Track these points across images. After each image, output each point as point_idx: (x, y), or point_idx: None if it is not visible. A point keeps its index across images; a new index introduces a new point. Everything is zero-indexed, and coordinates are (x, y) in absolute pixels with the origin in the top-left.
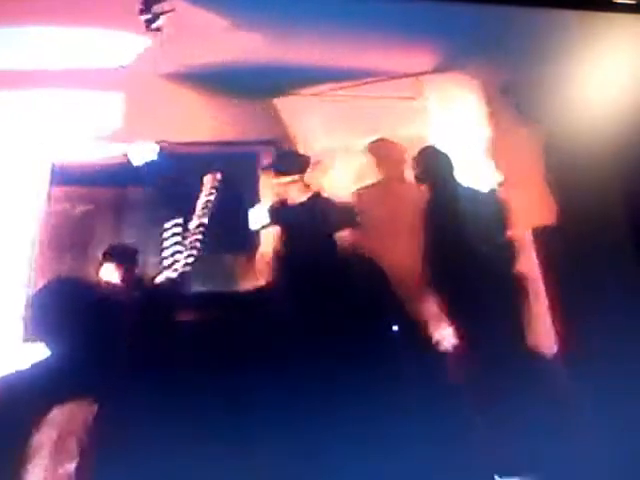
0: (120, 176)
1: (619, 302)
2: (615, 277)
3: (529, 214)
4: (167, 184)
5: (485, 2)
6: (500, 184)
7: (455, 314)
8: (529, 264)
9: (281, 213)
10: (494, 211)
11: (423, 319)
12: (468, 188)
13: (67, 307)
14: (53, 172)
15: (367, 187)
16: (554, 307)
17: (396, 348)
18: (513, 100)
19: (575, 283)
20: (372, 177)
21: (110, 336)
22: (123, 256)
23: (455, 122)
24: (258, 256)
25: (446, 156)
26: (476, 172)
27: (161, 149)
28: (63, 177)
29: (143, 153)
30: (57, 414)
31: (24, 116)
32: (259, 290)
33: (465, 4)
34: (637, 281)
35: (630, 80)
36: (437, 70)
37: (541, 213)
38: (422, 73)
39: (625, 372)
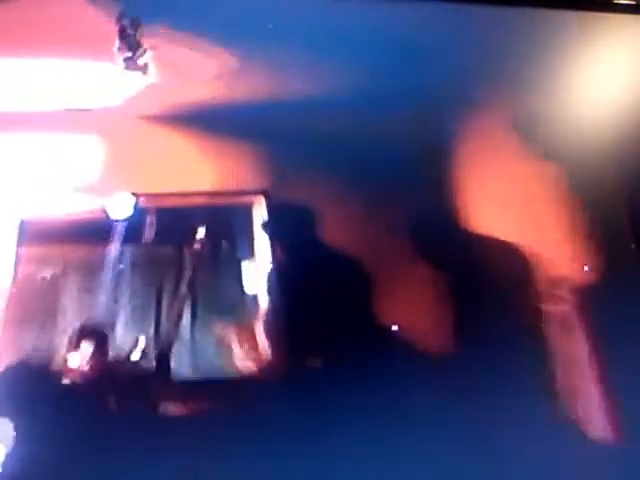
0: (94, 233)
1: None
2: None
3: (554, 262)
4: (147, 242)
5: (485, 3)
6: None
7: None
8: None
9: (279, 273)
10: (514, 261)
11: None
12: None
13: (28, 396)
14: (19, 230)
15: (373, 237)
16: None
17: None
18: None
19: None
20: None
21: (77, 432)
22: (93, 340)
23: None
24: (253, 324)
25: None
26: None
27: (142, 202)
28: (28, 235)
29: (121, 207)
30: None
31: None
32: (254, 372)
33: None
34: None
35: (630, 81)
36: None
37: (566, 261)
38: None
39: None
